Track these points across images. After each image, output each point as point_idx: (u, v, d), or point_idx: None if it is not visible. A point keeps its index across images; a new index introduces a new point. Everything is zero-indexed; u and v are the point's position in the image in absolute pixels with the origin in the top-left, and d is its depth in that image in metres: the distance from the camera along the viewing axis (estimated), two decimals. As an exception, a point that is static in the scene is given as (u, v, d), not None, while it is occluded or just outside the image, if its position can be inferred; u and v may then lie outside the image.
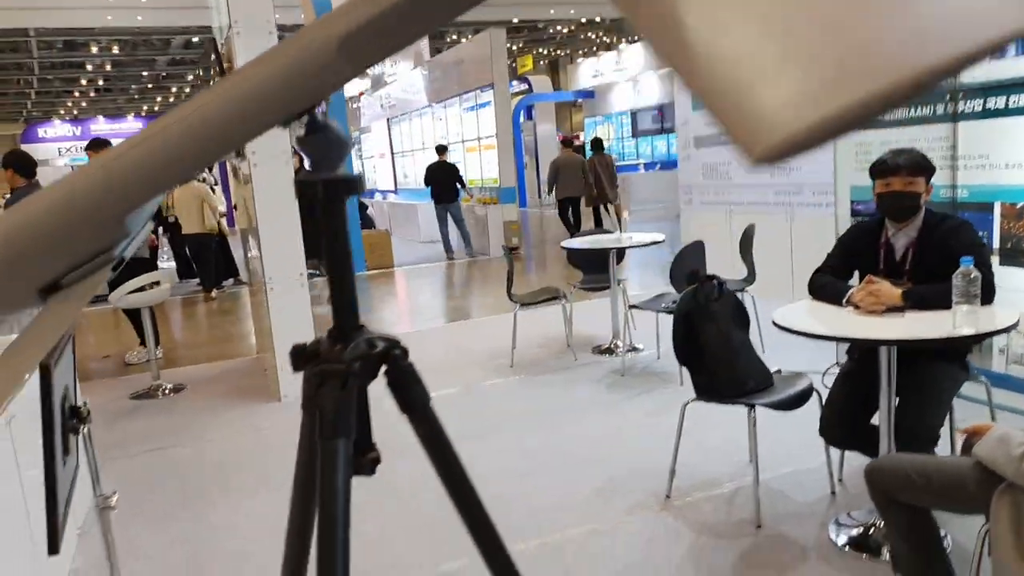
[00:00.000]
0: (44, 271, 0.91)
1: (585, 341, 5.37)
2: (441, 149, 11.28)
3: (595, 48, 24.52)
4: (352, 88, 15.32)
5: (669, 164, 17.85)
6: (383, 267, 10.72)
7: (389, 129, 16.19)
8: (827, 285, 2.71)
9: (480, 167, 11.82)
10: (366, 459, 0.97)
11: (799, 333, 2.36)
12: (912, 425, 2.44)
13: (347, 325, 0.95)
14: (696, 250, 4.61)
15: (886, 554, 2.44)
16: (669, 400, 4.08)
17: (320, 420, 0.91)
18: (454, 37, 18.31)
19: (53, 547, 1.27)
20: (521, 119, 19.55)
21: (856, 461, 3.03)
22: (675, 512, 2.86)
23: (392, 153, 16.32)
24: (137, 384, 5.36)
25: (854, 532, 2.58)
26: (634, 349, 5.10)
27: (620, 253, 5.23)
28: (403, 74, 14.47)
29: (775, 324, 2.57)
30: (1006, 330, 2.21)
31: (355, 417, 0.92)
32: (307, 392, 0.96)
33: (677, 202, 7.79)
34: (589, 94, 22.95)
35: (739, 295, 4.90)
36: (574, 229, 11.16)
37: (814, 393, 2.83)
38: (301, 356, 0.95)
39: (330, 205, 0.93)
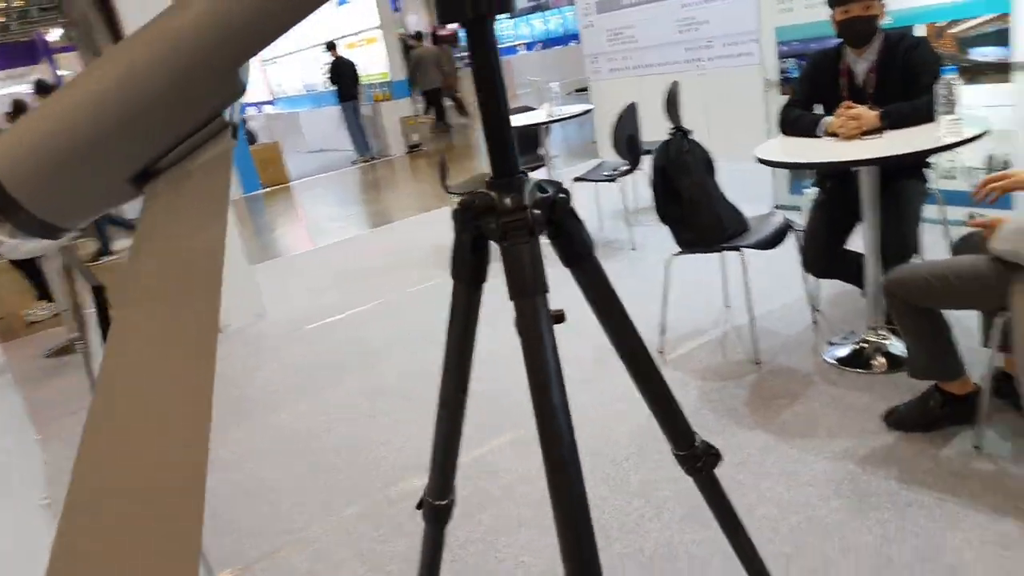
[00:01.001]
0: (132, 153, 0.76)
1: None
2: (331, 45, 10.72)
3: None
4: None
5: (550, 42, 17.58)
6: (279, 183, 10.22)
7: (255, 36, 15.02)
8: (800, 118, 2.76)
9: (366, 63, 11.21)
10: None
11: (791, 165, 2.40)
12: (896, 241, 2.57)
13: (512, 170, 0.86)
14: (629, 114, 4.58)
15: (877, 365, 2.62)
16: (629, 265, 4.15)
17: (514, 278, 0.83)
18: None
19: None
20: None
21: (829, 290, 3.20)
22: (673, 364, 2.95)
23: (261, 61, 15.24)
24: (50, 341, 4.96)
25: (845, 352, 2.74)
26: (577, 222, 5.11)
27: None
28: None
29: (763, 161, 2.61)
30: (979, 137, 2.31)
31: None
32: (460, 247, 0.88)
33: (566, 79, 7.74)
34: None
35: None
36: (439, 118, 11.68)
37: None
38: (471, 210, 0.86)
39: (478, 25, 0.81)
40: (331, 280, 5.16)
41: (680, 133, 2.98)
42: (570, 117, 4.97)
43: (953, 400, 2.17)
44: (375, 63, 11.09)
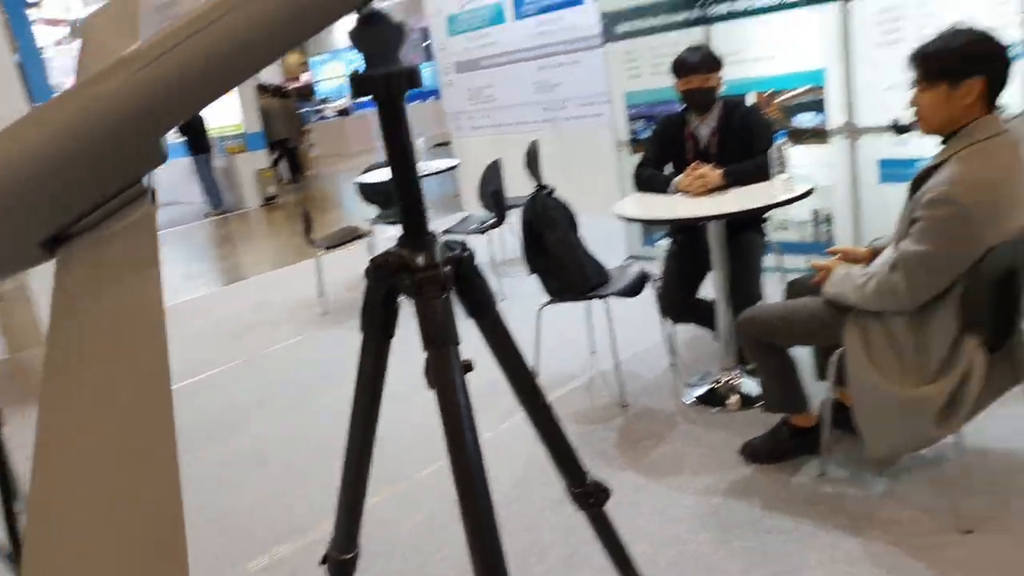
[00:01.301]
0: (45, 217, 0.76)
1: (392, 276, 5.35)
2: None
3: None
4: (47, 36, 13.12)
5: (410, 97, 17.81)
6: (128, 237, 9.63)
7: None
8: (652, 177, 2.99)
9: (219, 115, 10.89)
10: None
11: (648, 221, 2.61)
12: (743, 288, 2.82)
13: (422, 230, 0.92)
14: (494, 169, 4.76)
15: (731, 403, 2.85)
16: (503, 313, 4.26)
17: (428, 330, 0.89)
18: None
19: None
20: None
21: (684, 334, 3.44)
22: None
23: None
24: None
25: (702, 392, 2.95)
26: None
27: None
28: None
29: (622, 217, 2.80)
30: (808, 193, 2.62)
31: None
32: (372, 303, 0.93)
33: (428, 133, 7.93)
34: (310, 31, 21.88)
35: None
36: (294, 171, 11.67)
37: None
38: (385, 268, 0.91)
39: (391, 102, 0.88)
40: (189, 340, 4.92)
41: (544, 190, 3.15)
42: (436, 172, 5.08)
43: (799, 432, 2.40)
44: (229, 115, 10.80)
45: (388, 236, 6.18)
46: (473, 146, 7.01)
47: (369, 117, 18.42)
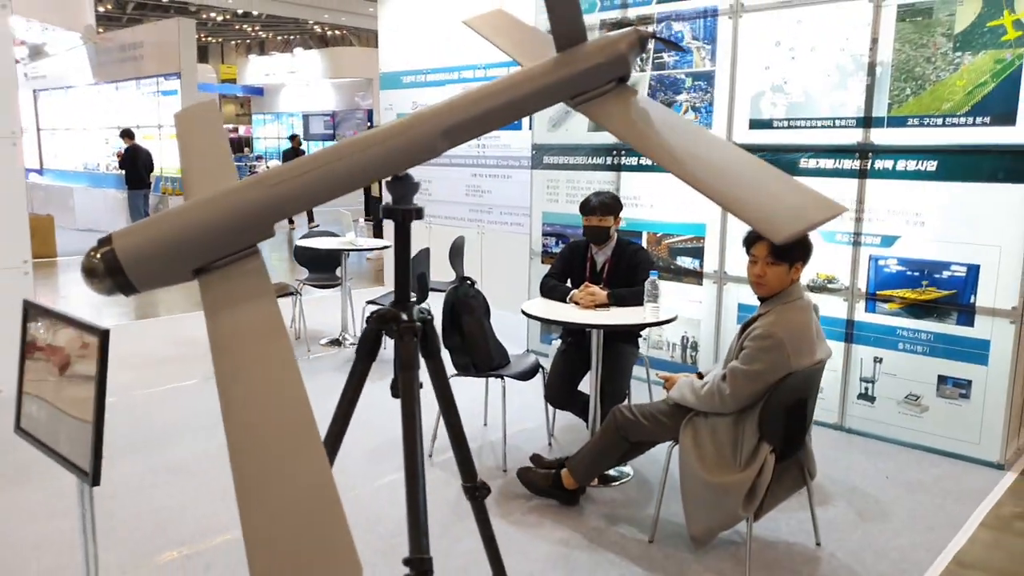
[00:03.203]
0: (202, 257, 1.32)
1: (312, 335, 5.80)
2: (128, 133, 10.68)
3: (247, 41, 23.98)
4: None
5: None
6: (46, 256, 9.65)
7: (36, 101, 14.29)
8: (555, 287, 3.67)
9: (160, 156, 11.19)
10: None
11: (546, 320, 3.27)
12: (613, 386, 3.49)
13: (407, 299, 1.52)
14: (423, 256, 5.37)
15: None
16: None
17: (403, 358, 1.47)
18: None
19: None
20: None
21: (562, 421, 4.05)
22: (440, 467, 3.57)
23: (38, 129, 14.41)
24: None
25: (571, 468, 3.54)
26: (361, 342, 5.67)
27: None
28: (61, 45, 12.96)
29: (524, 313, 3.45)
30: (671, 320, 3.35)
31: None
32: (367, 337, 1.50)
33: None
34: (258, 91, 22.51)
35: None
36: None
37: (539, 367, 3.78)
38: (382, 317, 1.49)
39: (403, 225, 1.49)
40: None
41: (467, 281, 3.78)
42: (369, 249, 5.65)
43: (560, 487, 3.14)
44: (169, 158, 11.12)
45: (317, 296, 6.67)
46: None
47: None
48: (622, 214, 3.75)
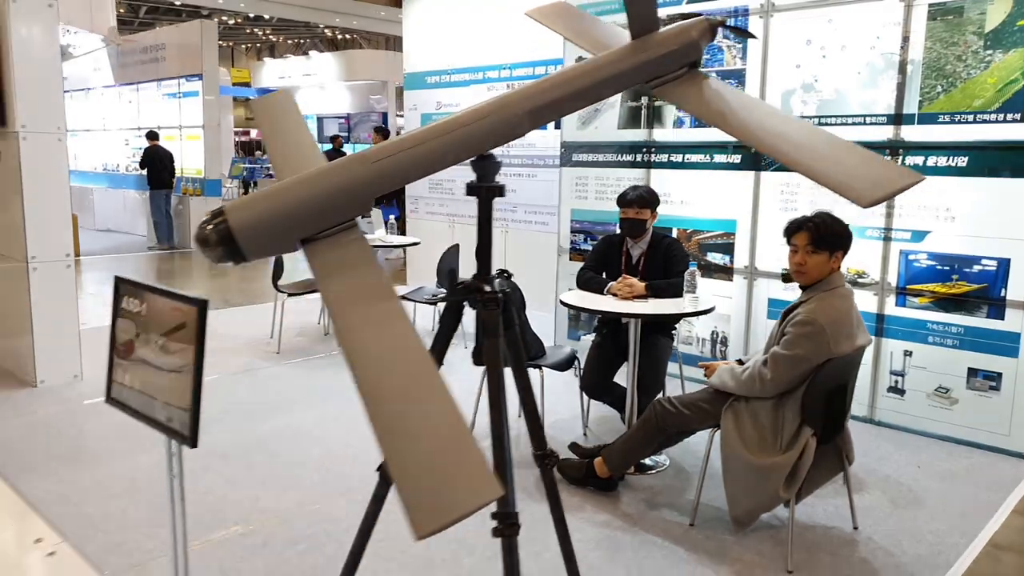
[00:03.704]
0: (308, 229, 1.41)
1: (341, 330, 5.89)
2: (153, 135, 10.84)
3: (258, 45, 24.16)
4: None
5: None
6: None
7: (56, 103, 14.46)
8: (592, 279, 3.75)
9: (181, 157, 11.34)
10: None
11: (587, 310, 3.35)
12: (650, 377, 3.56)
13: (489, 272, 1.60)
14: (453, 252, 5.46)
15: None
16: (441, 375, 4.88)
17: (488, 326, 1.55)
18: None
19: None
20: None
21: (597, 412, 4.13)
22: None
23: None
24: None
25: (607, 456, 3.62)
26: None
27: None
28: (85, 47, 13.14)
29: (563, 303, 3.53)
30: (709, 311, 3.43)
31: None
32: (451, 307, 1.60)
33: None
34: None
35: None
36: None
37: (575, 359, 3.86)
38: (470, 289, 1.57)
39: (487, 202, 1.58)
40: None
41: (504, 273, 3.86)
42: (398, 246, 5.75)
43: (595, 476, 3.20)
44: (192, 158, 11.26)
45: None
46: (426, 228, 7.74)
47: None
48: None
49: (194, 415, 1.64)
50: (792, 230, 2.80)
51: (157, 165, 10.71)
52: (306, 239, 1.41)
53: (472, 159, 1.55)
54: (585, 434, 3.94)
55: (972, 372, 3.82)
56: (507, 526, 1.53)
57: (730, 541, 2.88)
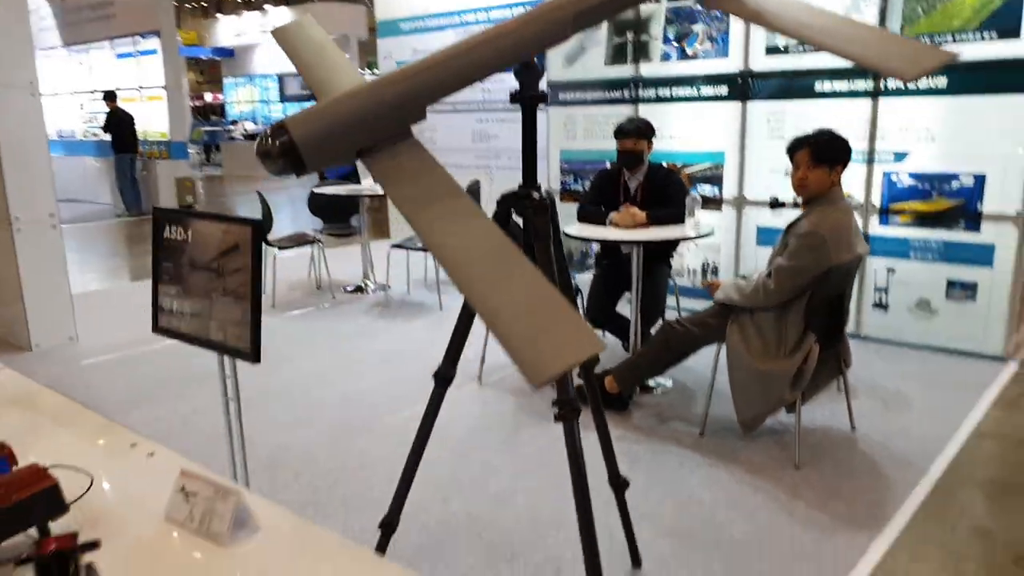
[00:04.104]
0: (367, 139, 1.47)
1: (333, 284, 5.93)
2: (111, 95, 10.51)
3: (204, 4, 23.42)
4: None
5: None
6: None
7: (5, 69, 13.94)
8: (592, 212, 3.84)
9: (143, 120, 11.07)
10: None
11: (593, 240, 3.45)
12: (651, 303, 3.70)
13: (535, 180, 1.68)
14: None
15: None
16: (439, 319, 4.98)
17: (536, 234, 1.64)
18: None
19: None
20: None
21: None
22: (491, 387, 3.77)
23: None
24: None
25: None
26: (384, 288, 5.81)
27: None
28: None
29: (567, 235, 3.62)
30: (710, 234, 3.56)
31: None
32: (501, 214, 1.68)
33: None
34: (228, 52, 22.10)
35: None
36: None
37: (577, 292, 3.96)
38: (513, 197, 1.65)
39: (531, 109, 1.65)
40: (126, 316, 5.30)
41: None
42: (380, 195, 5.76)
43: (605, 392, 3.34)
44: (156, 121, 11.01)
45: (330, 248, 6.77)
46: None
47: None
48: (647, 143, 3.92)
49: (255, 331, 1.71)
50: (794, 147, 2.91)
51: (123, 128, 10.45)
52: (362, 150, 1.47)
53: (516, 68, 1.61)
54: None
55: (951, 284, 4.02)
56: (569, 411, 1.64)
57: (739, 446, 3.05)
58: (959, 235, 3.95)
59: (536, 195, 1.66)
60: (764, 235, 4.60)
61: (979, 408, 3.36)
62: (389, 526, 1.97)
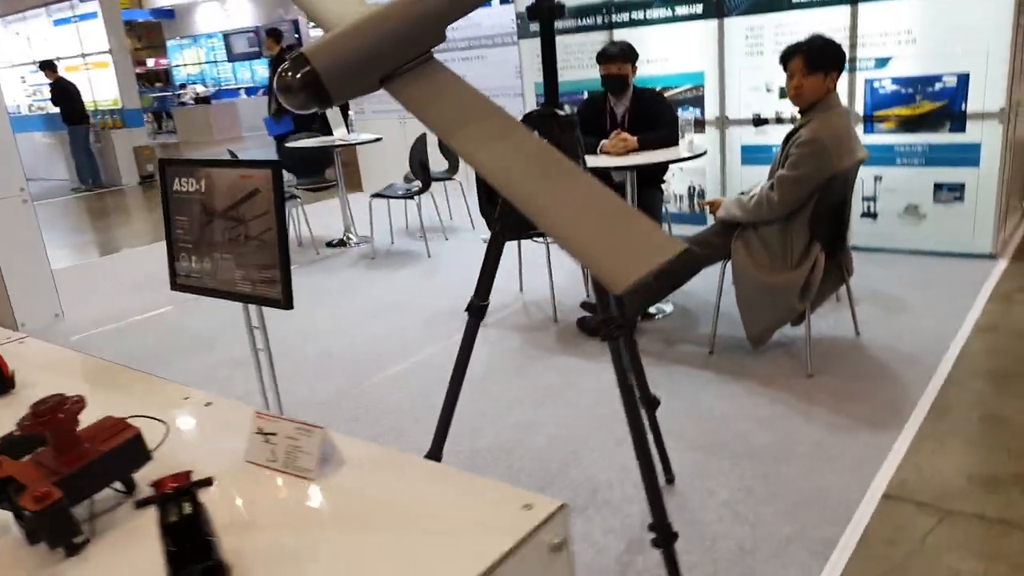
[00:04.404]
0: (389, 65, 1.42)
1: (315, 240, 5.83)
2: (49, 65, 10.04)
3: None
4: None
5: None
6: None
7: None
8: (582, 140, 3.79)
9: (91, 89, 10.64)
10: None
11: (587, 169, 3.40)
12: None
13: (557, 100, 1.64)
14: (421, 143, 5.40)
15: (637, 317, 3.69)
16: (428, 267, 4.94)
17: (563, 149, 1.59)
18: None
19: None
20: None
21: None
22: (495, 325, 3.77)
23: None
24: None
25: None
26: (366, 240, 5.72)
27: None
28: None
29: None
30: (704, 153, 3.54)
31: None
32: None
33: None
34: (168, 13, 21.19)
35: (444, 185, 5.88)
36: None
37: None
38: (539, 116, 1.61)
39: (549, 23, 1.60)
40: (105, 291, 5.18)
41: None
42: (362, 143, 5.64)
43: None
44: (104, 89, 10.60)
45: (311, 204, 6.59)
46: (375, 127, 7.55)
47: (237, 105, 18.21)
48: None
49: (285, 276, 1.67)
50: (787, 56, 2.88)
51: (71, 98, 10.02)
52: (385, 77, 1.42)
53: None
54: (588, 295, 4.08)
55: (938, 187, 4.07)
56: (617, 327, 1.64)
57: (749, 360, 3.10)
58: (944, 137, 3.98)
59: (562, 112, 1.62)
60: (749, 154, 4.60)
61: (976, 305, 3.44)
62: (434, 459, 1.97)
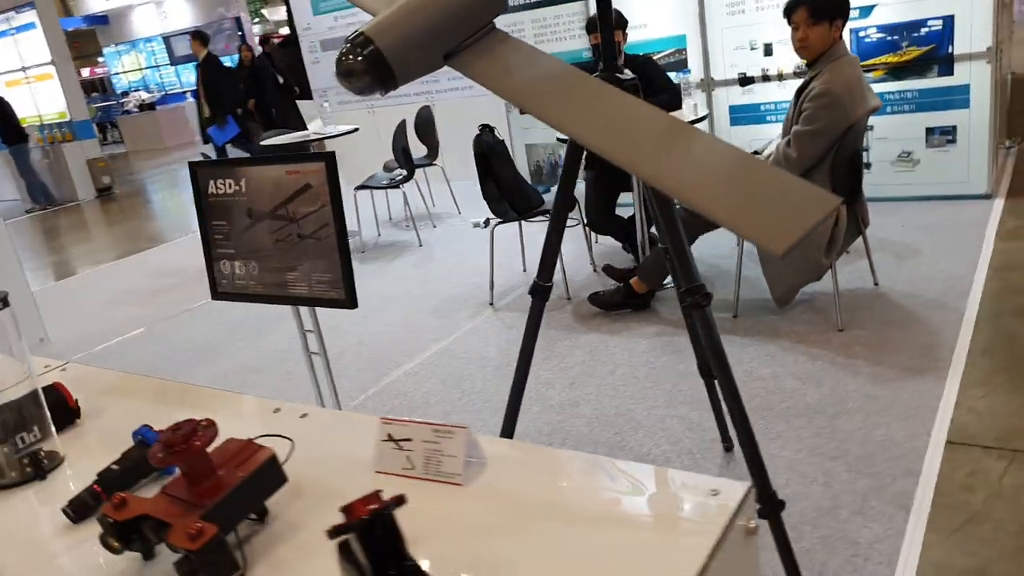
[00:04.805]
0: (453, 39, 1.34)
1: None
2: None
3: None
4: None
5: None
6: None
7: None
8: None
9: (35, 103, 10.22)
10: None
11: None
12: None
13: (615, 66, 1.57)
14: (402, 130, 5.28)
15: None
16: (422, 255, 4.84)
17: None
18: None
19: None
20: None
21: (601, 249, 4.21)
22: (506, 311, 3.69)
23: None
24: None
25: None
26: (352, 234, 5.59)
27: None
28: None
29: (559, 140, 3.51)
30: (705, 117, 3.49)
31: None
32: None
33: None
34: (102, 19, 20.46)
35: (424, 171, 5.76)
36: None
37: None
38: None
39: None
40: (82, 312, 4.98)
41: (488, 129, 3.78)
42: (338, 135, 5.48)
43: (634, 294, 3.32)
44: (50, 102, 10.17)
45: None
46: (344, 119, 7.37)
47: (186, 109, 17.68)
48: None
49: (347, 274, 1.58)
50: (791, 8, 2.84)
51: (9, 116, 9.54)
52: (449, 54, 1.33)
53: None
54: (595, 270, 4.03)
55: (929, 131, 4.10)
56: (702, 296, 1.58)
57: (776, 320, 3.08)
58: (933, 81, 4.00)
59: (623, 76, 1.55)
60: (737, 114, 4.57)
61: (985, 246, 3.47)
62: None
